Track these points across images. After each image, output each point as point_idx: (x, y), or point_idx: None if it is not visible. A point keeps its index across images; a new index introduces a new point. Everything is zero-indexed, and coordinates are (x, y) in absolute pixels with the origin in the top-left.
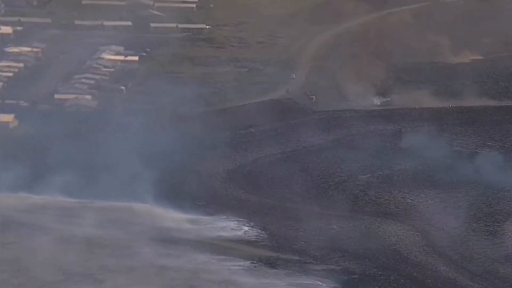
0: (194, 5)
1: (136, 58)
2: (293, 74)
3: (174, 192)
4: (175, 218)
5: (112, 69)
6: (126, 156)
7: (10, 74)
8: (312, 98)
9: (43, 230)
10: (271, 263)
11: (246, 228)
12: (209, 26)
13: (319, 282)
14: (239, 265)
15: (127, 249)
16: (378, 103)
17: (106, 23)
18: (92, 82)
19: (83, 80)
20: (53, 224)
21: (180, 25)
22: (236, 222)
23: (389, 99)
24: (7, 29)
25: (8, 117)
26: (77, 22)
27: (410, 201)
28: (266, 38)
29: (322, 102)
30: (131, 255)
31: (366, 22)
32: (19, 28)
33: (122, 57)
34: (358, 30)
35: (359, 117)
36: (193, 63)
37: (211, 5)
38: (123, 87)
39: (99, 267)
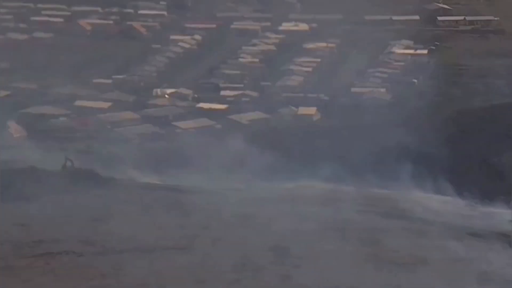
0: None
1: (426, 51)
2: None
3: (470, 185)
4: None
5: (403, 63)
6: (414, 146)
7: (309, 69)
8: None
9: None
10: None
11: None
12: (498, 18)
13: None
14: None
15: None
16: None
17: (394, 17)
18: (385, 76)
19: (377, 74)
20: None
21: (468, 18)
22: None
23: None
24: (304, 26)
25: (310, 110)
26: (367, 17)
27: None
28: None
29: None
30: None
31: None
32: (314, 25)
33: (412, 51)
34: None
35: None
36: (481, 56)
37: None
38: (415, 80)
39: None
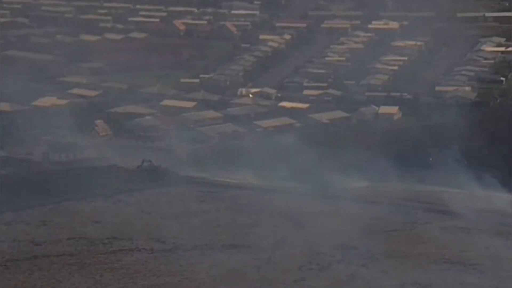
0: None
1: None
2: None
3: None
4: None
5: (492, 61)
6: (481, 145)
7: (395, 68)
8: None
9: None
10: None
11: None
12: None
13: None
14: None
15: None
16: None
17: (488, 14)
18: (472, 74)
19: (463, 72)
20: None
21: None
22: None
23: None
24: (394, 24)
25: (392, 109)
26: (459, 14)
27: None
28: None
29: None
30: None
31: None
32: (405, 22)
33: (502, 49)
34: None
35: None
36: None
37: None
38: (502, 78)
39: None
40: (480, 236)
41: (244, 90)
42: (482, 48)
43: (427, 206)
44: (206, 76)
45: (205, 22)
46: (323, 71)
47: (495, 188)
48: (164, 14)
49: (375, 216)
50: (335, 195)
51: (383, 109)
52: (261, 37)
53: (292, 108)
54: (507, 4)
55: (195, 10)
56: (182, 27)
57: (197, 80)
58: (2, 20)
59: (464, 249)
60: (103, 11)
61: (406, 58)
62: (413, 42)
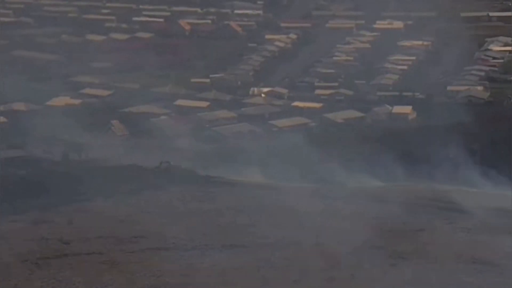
0: None
1: None
2: None
3: None
4: None
5: (501, 60)
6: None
7: (405, 67)
8: None
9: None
10: None
11: None
12: None
13: None
14: None
15: None
16: None
17: (491, 14)
18: (482, 73)
19: (474, 72)
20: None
21: None
22: None
23: None
24: (398, 24)
25: (406, 109)
26: (463, 14)
27: None
28: None
29: None
30: None
31: None
32: (409, 22)
33: (510, 48)
34: None
35: None
36: None
37: None
38: None
39: None
40: (498, 236)
41: (256, 90)
42: (489, 47)
43: (443, 205)
44: (217, 75)
45: (209, 21)
46: (332, 70)
47: None
48: (168, 14)
49: (386, 215)
50: (347, 195)
51: (397, 109)
52: (267, 36)
53: (305, 107)
54: (510, 4)
55: (199, 10)
56: (187, 27)
57: (207, 80)
58: (7, 20)
59: (481, 249)
60: (106, 11)
61: (414, 57)
62: (419, 42)
